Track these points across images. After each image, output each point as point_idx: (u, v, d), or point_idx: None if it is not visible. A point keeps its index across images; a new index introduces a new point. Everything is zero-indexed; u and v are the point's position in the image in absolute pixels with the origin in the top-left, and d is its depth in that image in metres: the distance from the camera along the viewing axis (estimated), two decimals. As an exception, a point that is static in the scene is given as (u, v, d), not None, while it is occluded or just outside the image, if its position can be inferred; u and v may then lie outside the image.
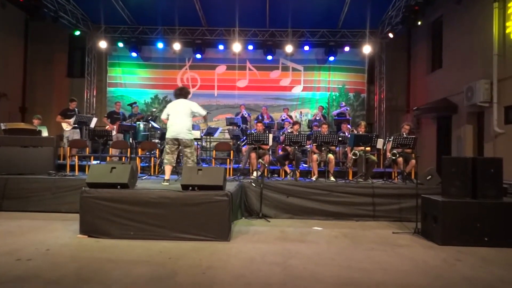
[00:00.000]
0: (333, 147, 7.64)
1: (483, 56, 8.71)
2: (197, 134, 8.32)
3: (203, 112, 6.10)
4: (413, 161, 7.24)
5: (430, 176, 6.58)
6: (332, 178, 7.25)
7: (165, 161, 5.96)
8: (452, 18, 10.27)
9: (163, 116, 6.03)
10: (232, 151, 8.84)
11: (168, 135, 5.90)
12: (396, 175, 7.61)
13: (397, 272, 3.68)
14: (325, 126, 8.06)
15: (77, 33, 11.57)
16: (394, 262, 4.02)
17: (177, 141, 5.89)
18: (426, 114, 11.38)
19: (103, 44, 12.12)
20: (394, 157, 7.17)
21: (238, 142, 9.31)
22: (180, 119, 5.85)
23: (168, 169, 5.96)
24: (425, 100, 11.36)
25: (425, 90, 11.81)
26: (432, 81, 11.44)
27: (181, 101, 6.02)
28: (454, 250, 4.52)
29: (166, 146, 5.95)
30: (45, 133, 8.56)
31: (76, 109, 9.41)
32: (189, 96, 6.26)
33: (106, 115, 10.42)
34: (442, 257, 4.24)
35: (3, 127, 7.85)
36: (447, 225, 4.75)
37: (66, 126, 9.04)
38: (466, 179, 4.93)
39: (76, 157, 8.21)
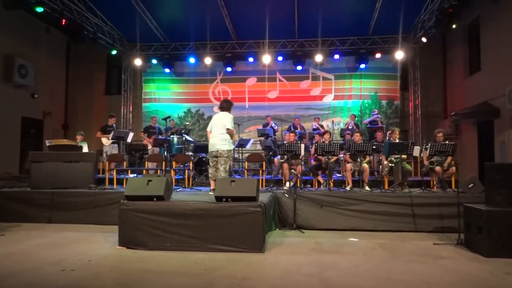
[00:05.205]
0: (367, 156, 7.47)
1: (526, 56, 8.28)
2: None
3: (231, 126, 6.38)
4: (453, 168, 6.93)
5: (472, 184, 6.27)
6: (367, 188, 7.08)
7: (209, 175, 6.54)
8: (490, 18, 9.85)
9: (208, 129, 6.56)
10: (264, 162, 8.86)
11: (209, 149, 6.39)
12: (434, 183, 7.32)
13: (440, 285, 3.52)
14: (357, 134, 7.90)
15: (114, 52, 12.10)
16: (437, 274, 3.84)
17: (215, 153, 6.27)
18: (466, 120, 10.88)
19: (138, 62, 12.62)
20: (431, 166, 6.91)
21: (270, 153, 9.31)
22: (216, 132, 6.33)
23: (213, 181, 6.39)
24: (464, 105, 10.89)
25: (463, 95, 11.33)
26: (470, 84, 10.97)
27: (221, 114, 6.44)
28: (502, 262, 4.26)
29: (209, 160, 6.49)
30: (85, 149, 8.98)
31: (114, 125, 9.82)
32: (231, 108, 6.63)
33: (142, 130, 10.81)
34: (488, 269, 4.01)
35: (48, 144, 8.31)
36: (493, 236, 4.50)
37: (105, 141, 9.46)
38: (513, 186, 4.66)
39: (114, 171, 8.53)
